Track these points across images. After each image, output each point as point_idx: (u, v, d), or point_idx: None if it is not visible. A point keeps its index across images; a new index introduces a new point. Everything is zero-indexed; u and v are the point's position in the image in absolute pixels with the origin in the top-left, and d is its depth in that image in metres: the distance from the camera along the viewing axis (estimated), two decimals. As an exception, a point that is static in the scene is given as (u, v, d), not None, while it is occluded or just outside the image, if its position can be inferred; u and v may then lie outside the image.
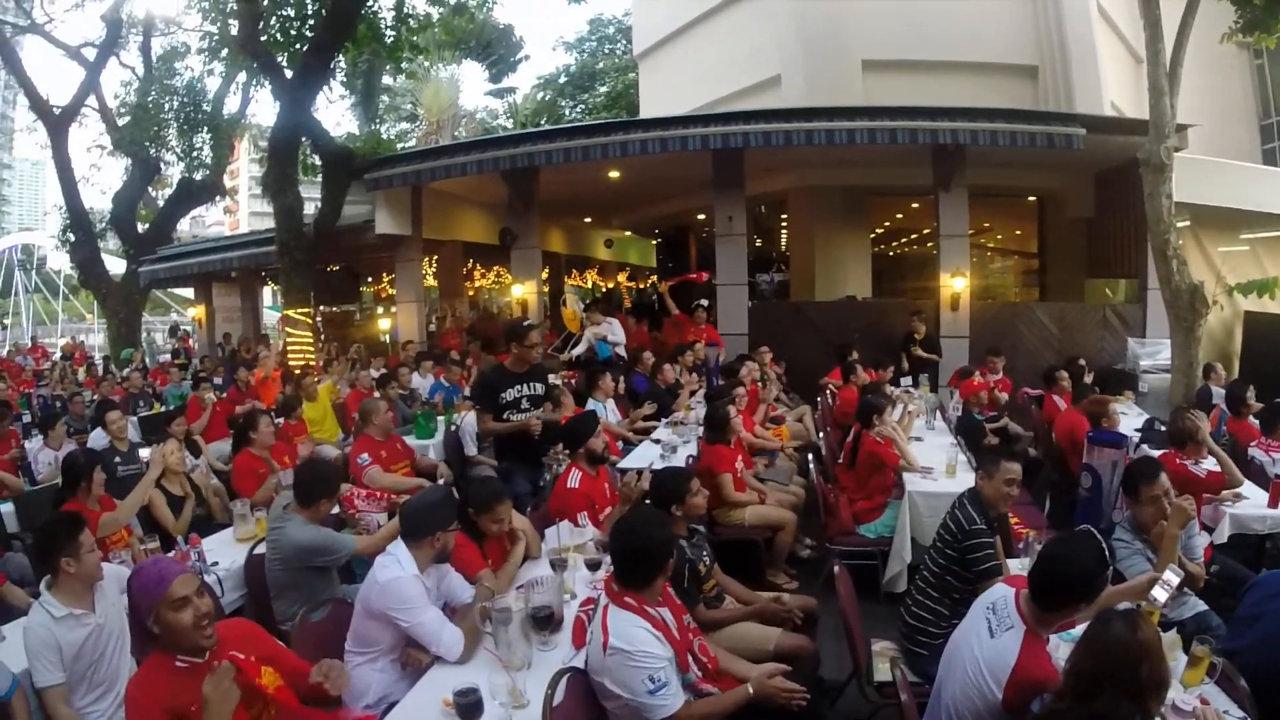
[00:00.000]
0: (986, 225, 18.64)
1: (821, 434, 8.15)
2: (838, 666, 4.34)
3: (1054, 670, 2.84)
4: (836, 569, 4.21)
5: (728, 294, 13.26)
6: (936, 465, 6.43)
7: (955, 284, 12.56)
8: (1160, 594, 3.34)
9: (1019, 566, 4.09)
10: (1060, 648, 3.15)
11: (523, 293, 14.44)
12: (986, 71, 17.20)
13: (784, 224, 20.46)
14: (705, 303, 12.94)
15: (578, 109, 36.25)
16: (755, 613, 4.22)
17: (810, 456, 7.07)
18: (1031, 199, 17.21)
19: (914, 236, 20.51)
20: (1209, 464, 5.65)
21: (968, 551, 4.01)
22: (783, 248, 21.18)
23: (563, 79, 38.32)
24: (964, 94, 14.27)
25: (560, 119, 34.36)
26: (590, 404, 8.30)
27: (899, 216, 19.51)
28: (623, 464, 6.75)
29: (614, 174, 15.08)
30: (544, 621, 3.53)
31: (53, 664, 3.36)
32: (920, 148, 11.94)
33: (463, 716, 2.94)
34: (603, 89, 36.56)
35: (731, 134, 11.69)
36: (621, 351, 11.71)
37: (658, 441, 7.62)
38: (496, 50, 33.99)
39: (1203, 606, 4.13)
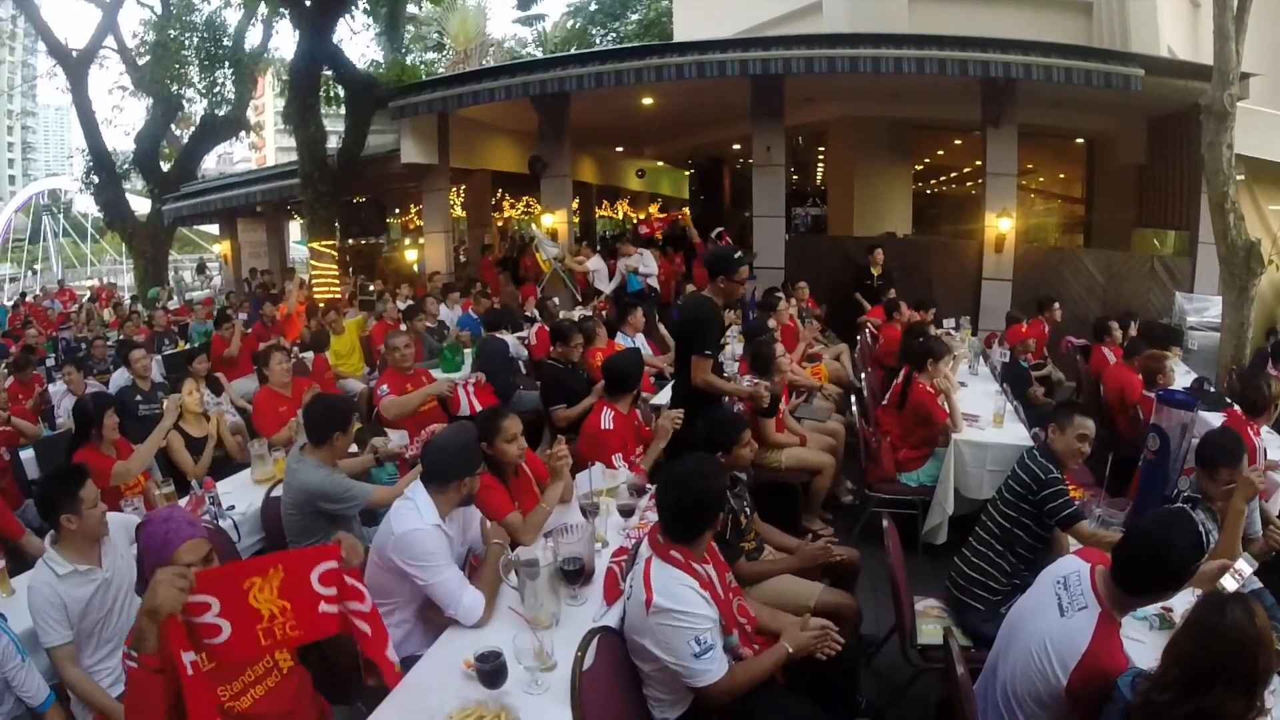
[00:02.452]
0: (1030, 166, 18.02)
1: (864, 374, 7.81)
2: (875, 623, 4.15)
3: (1124, 658, 2.55)
4: (885, 523, 3.94)
5: (764, 226, 12.95)
6: (983, 414, 6.13)
7: (1000, 225, 12.12)
8: (1230, 583, 3.08)
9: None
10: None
11: (553, 222, 14.20)
12: (1039, 5, 16.47)
13: (821, 157, 20.01)
14: (719, 231, 12.59)
15: (609, 37, 35.68)
16: (796, 561, 3.96)
17: (853, 398, 6.75)
18: (1080, 141, 16.72)
19: (956, 175, 19.98)
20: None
21: (1047, 500, 3.77)
22: (819, 182, 20.72)
23: (593, 6, 37.69)
24: (1015, 27, 13.59)
25: (591, 47, 33.69)
26: (620, 338, 8.17)
27: (941, 153, 19.00)
28: (656, 400, 6.49)
29: (648, 101, 14.79)
30: (574, 574, 3.30)
31: (59, 623, 3.24)
32: (969, 81, 11.48)
33: (485, 682, 2.72)
34: (634, 16, 35.94)
35: (772, 59, 11.31)
36: (653, 283, 11.50)
37: None
38: (522, -22, 33.52)
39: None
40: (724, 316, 5.27)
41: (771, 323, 7.81)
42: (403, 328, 8.82)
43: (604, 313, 9.94)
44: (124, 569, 3.53)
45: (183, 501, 4.77)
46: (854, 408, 6.40)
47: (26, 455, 6.66)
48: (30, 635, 3.30)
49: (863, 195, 16.39)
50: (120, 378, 8.12)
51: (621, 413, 5.21)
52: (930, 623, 3.87)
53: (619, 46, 14.73)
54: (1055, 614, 2.71)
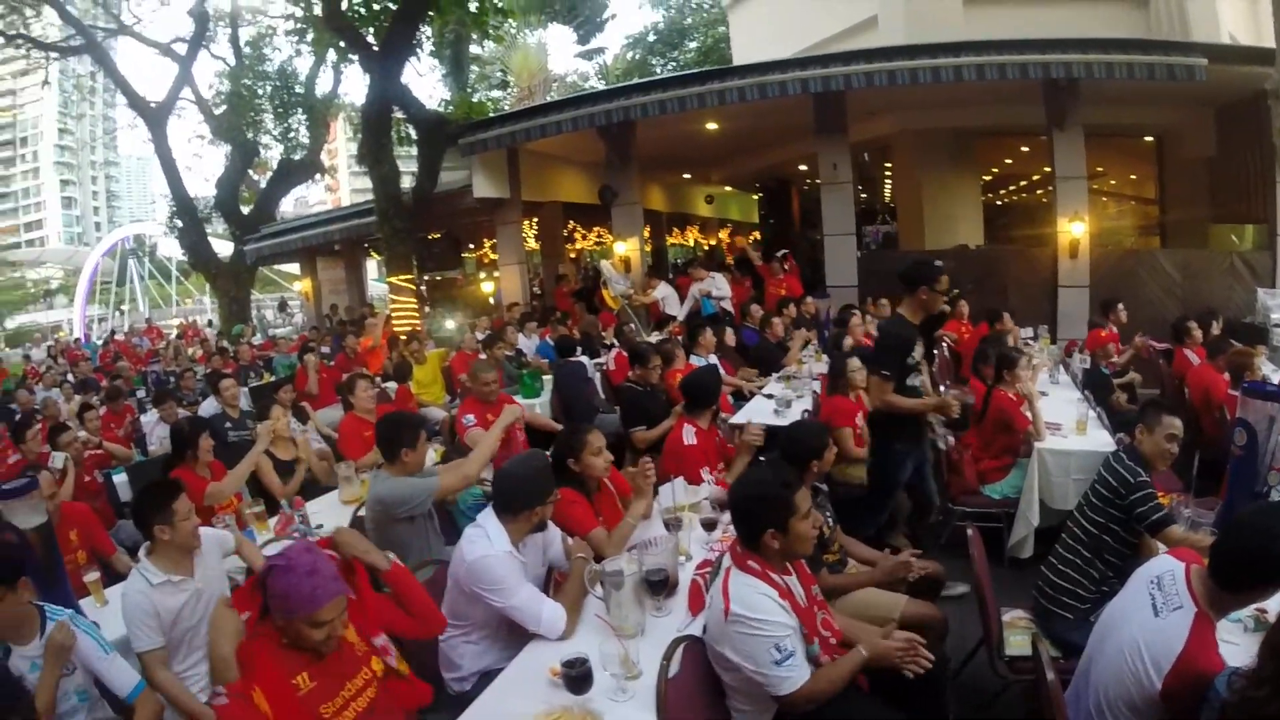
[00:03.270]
0: (1100, 169, 17.61)
1: (943, 388, 7.74)
2: (959, 636, 4.09)
3: (1220, 659, 2.48)
4: (970, 532, 3.92)
5: (835, 245, 12.90)
6: (1065, 421, 6.01)
7: (1073, 229, 11.88)
8: None
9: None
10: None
11: (625, 250, 14.30)
12: (1094, 0, 16.28)
13: (888, 172, 19.86)
14: (784, 253, 12.59)
15: (668, 67, 35.95)
16: (879, 574, 3.95)
17: None
18: (1148, 139, 16.34)
19: (1025, 182, 19.71)
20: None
21: (1136, 505, 3.70)
22: (887, 198, 20.58)
23: (651, 37, 38.03)
24: (1071, 25, 13.42)
25: (650, 78, 33.91)
26: (693, 359, 8.18)
27: (1008, 161, 18.64)
28: (734, 419, 6.54)
29: (712, 125, 14.86)
30: (658, 586, 3.34)
31: (151, 629, 3.41)
32: (1030, 84, 11.36)
33: (571, 688, 2.77)
34: (692, 45, 36.24)
35: (832, 76, 11.34)
36: (727, 306, 11.59)
37: (770, 396, 7.38)
38: (582, 11, 33.99)
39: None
40: (915, 336, 5.19)
41: (848, 341, 7.82)
42: (482, 356, 9.05)
43: (678, 337, 10.02)
44: (215, 581, 3.74)
45: (272, 520, 5.05)
46: (933, 420, 6.29)
47: (120, 479, 7.05)
48: (123, 642, 3.45)
49: (932, 208, 16.21)
50: (209, 406, 8.53)
51: (703, 428, 5.27)
52: (1018, 634, 3.81)
53: (681, 73, 14.81)
54: (1149, 615, 2.64)
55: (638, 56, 37.86)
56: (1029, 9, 15.60)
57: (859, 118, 13.37)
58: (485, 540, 3.36)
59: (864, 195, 18.83)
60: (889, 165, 19.15)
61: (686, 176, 23.33)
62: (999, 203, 19.69)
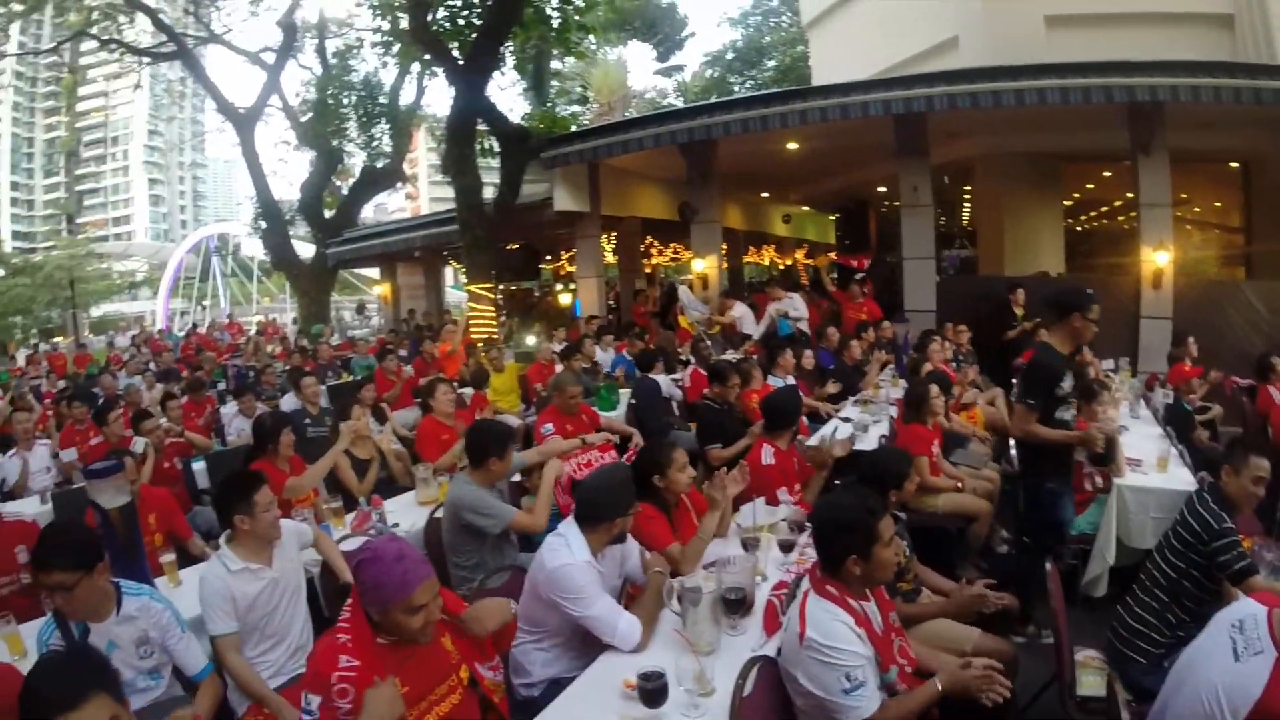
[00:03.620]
0: (1184, 196, 17.23)
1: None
2: (1030, 672, 3.99)
3: None
4: (1049, 567, 3.82)
5: (914, 269, 12.75)
6: (1146, 458, 5.82)
7: (1157, 258, 11.57)
8: None
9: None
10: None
11: (704, 267, 14.35)
12: (1178, 22, 15.85)
13: (967, 196, 19.66)
14: (861, 276, 12.50)
15: (746, 85, 36.12)
16: (952, 605, 3.87)
17: (1011, 443, 6.39)
18: (1233, 165, 15.99)
19: (1107, 208, 19.38)
20: None
21: (1219, 552, 3.58)
22: (965, 222, 20.38)
23: (730, 55, 38.28)
24: (1155, 48, 12.98)
25: (730, 95, 33.98)
26: (772, 380, 8.17)
27: (1090, 186, 18.38)
28: (810, 442, 6.40)
29: (792, 145, 14.80)
30: (735, 604, 3.31)
31: (226, 614, 3.50)
32: (1114, 107, 11.10)
33: (646, 701, 2.77)
34: (771, 63, 36.37)
35: (914, 98, 11.22)
36: (804, 327, 11.53)
37: (847, 420, 7.36)
38: (661, 29, 34.29)
39: None
40: (1065, 366, 4.95)
41: (928, 366, 7.78)
42: (559, 367, 9.15)
43: (754, 356, 10.02)
44: (292, 571, 3.83)
45: (349, 516, 5.21)
46: (1014, 451, 6.08)
47: (198, 466, 7.33)
48: (196, 623, 3.59)
49: (1013, 233, 15.97)
50: (289, 402, 8.82)
51: (781, 449, 5.27)
52: (1090, 674, 3.73)
53: (763, 92, 14.84)
54: (1229, 659, 2.56)
55: (716, 74, 38.10)
56: (1112, 30, 15.36)
57: (940, 140, 13.25)
58: (566, 549, 3.39)
59: (942, 219, 18.69)
60: (968, 189, 18.97)
61: (764, 195, 23.21)
62: (1080, 229, 19.40)
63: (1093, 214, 19.90)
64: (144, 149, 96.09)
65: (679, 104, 35.28)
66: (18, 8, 23.23)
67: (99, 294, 59.21)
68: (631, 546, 3.77)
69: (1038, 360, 5.06)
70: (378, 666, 2.55)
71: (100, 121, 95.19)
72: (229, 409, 9.37)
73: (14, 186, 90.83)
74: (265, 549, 3.72)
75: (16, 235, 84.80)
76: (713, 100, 15.92)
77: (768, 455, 5.17)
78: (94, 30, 23.88)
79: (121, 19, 23.68)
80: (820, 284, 13.61)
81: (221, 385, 12.71)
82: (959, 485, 5.95)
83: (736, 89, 35.54)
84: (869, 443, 6.40)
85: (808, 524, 4.19)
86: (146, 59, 26.95)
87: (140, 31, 25.96)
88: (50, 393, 13.46)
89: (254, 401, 8.76)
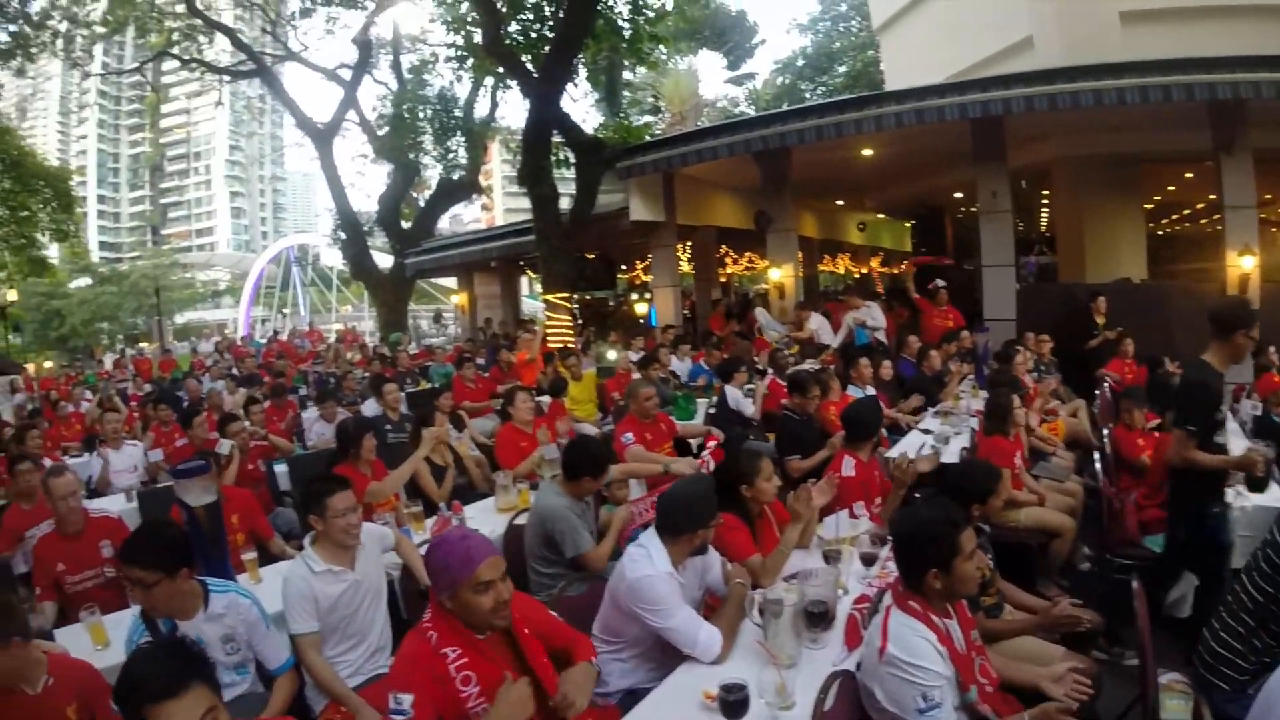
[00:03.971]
0: (1268, 197, 16.74)
1: (1105, 430, 7.46)
2: (1112, 695, 3.90)
3: None
4: (1135, 585, 3.65)
5: (993, 276, 12.55)
6: (1234, 473, 5.44)
7: (1243, 263, 11.33)
8: None
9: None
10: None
11: (780, 276, 14.36)
12: (1259, 15, 15.17)
13: (1045, 201, 19.34)
14: (943, 283, 12.34)
15: (818, 91, 35.94)
16: (1036, 621, 3.77)
17: (1097, 456, 6.35)
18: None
19: (1189, 210, 18.94)
20: None
21: None
22: (1043, 228, 20.06)
23: (800, 62, 38.18)
24: (1236, 43, 12.64)
25: (801, 103, 33.84)
26: (850, 390, 8.14)
27: (1171, 188, 17.91)
28: (890, 453, 6.39)
29: (867, 151, 14.73)
30: (817, 617, 3.31)
31: (308, 613, 3.59)
32: (1195, 105, 10.82)
33: (727, 713, 2.79)
34: (841, 69, 36.20)
35: (991, 100, 11.06)
36: (881, 337, 11.45)
37: (927, 431, 7.22)
38: (731, 37, 34.32)
39: None
40: (1222, 387, 4.73)
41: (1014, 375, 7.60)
42: (635, 376, 9.23)
43: (832, 367, 9.91)
44: (374, 574, 3.91)
45: (429, 521, 5.32)
46: (1099, 465, 6.08)
47: (280, 469, 7.56)
48: (275, 619, 3.69)
49: (1093, 238, 15.63)
50: (370, 408, 9.02)
51: (862, 461, 5.21)
52: (1174, 698, 3.39)
53: (837, 99, 14.74)
54: None
55: (787, 81, 38.02)
56: (1190, 26, 14.97)
57: (1017, 143, 13.09)
58: (647, 560, 3.38)
59: (1020, 224, 18.38)
60: (1046, 193, 18.65)
61: (839, 203, 23.10)
62: (1161, 233, 18.97)
63: (1174, 217, 19.48)
64: (225, 163, 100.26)
65: (750, 112, 35.11)
66: (100, 29, 23.94)
67: (182, 302, 62.50)
68: (713, 558, 3.75)
69: (1198, 383, 4.72)
70: (482, 651, 2.66)
71: (183, 137, 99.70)
72: (310, 414, 9.61)
73: (101, 200, 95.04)
74: (347, 551, 3.80)
75: (103, 246, 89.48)
76: (786, 108, 15.88)
77: (849, 467, 5.10)
78: (175, 50, 24.75)
79: (201, 39, 24.43)
80: (904, 292, 13.39)
81: (303, 391, 13.01)
82: (1041, 499, 5.83)
83: (808, 95, 35.37)
84: (950, 455, 6.29)
85: (889, 537, 4.06)
86: (226, 77, 28.07)
87: (220, 51, 27.03)
88: (136, 395, 14.12)
89: (334, 407, 8.97)
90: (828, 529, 4.38)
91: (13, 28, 19.77)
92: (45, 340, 52.43)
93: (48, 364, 36.50)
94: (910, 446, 6.66)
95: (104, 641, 3.78)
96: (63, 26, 21.99)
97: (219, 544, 4.34)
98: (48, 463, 6.29)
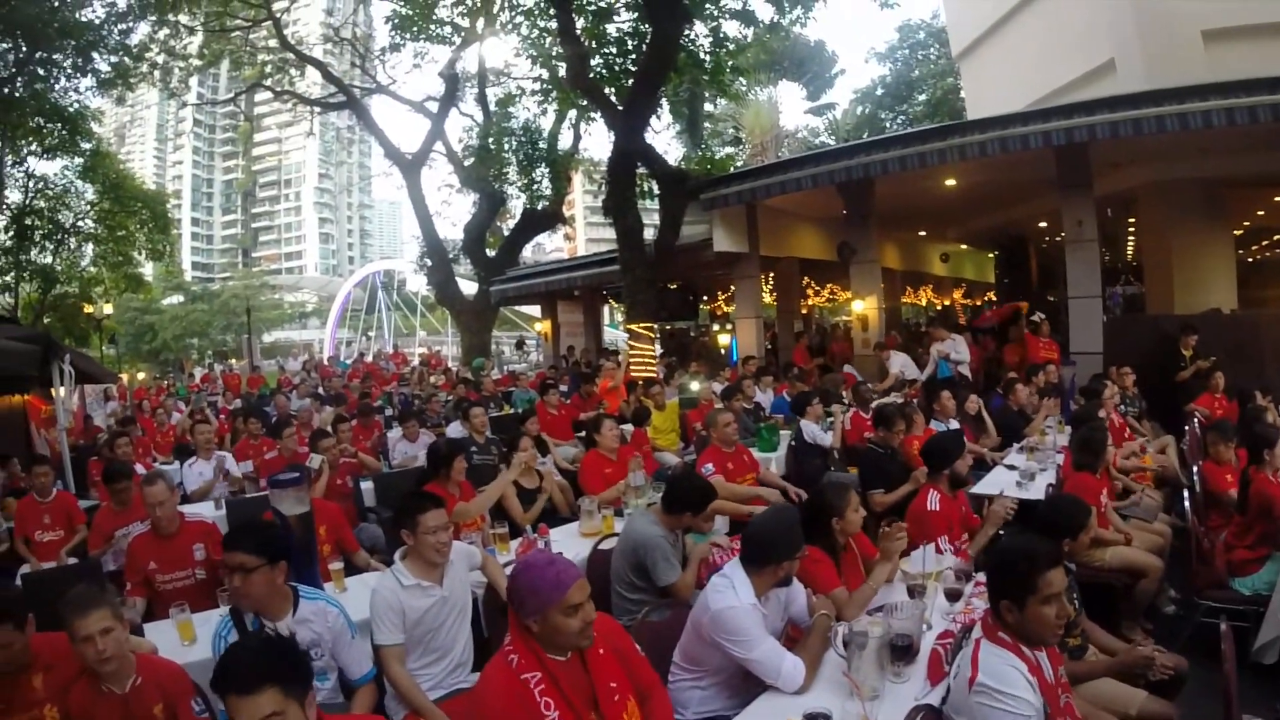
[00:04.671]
0: (1363, 220, 16.23)
1: (1195, 468, 7.26)
2: None
3: None
4: (1223, 628, 3.52)
5: (1080, 308, 12.26)
6: None
7: None
8: None
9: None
10: None
11: (863, 308, 14.36)
12: None
13: (1130, 229, 18.97)
14: (1044, 316, 12.19)
15: (898, 120, 35.76)
16: (1119, 664, 3.72)
17: (1185, 494, 6.01)
18: None
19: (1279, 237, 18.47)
20: None
21: None
22: (1129, 257, 19.68)
23: (879, 91, 37.97)
24: None
25: (881, 133, 33.60)
26: (933, 424, 8.08)
27: (1261, 213, 17.33)
28: (974, 490, 6.35)
29: (949, 181, 14.68)
30: (902, 651, 3.31)
31: (394, 625, 3.71)
32: None
33: None
34: (921, 97, 35.95)
35: (1075, 127, 10.85)
36: (965, 370, 11.37)
37: (1012, 467, 7.04)
38: (810, 68, 34.46)
39: None
40: None
41: (1101, 413, 7.43)
42: (718, 406, 9.31)
43: (915, 400, 9.81)
44: (460, 591, 4.02)
45: (514, 543, 5.42)
46: (1187, 504, 5.76)
47: (366, 486, 7.88)
48: (362, 628, 3.82)
49: (1181, 267, 15.16)
50: (455, 429, 9.30)
51: (948, 496, 5.16)
52: None
53: (919, 128, 14.68)
54: None
55: (866, 111, 37.83)
56: (1274, 42, 14.63)
57: (1101, 170, 12.87)
58: (731, 591, 3.39)
59: (1106, 254, 18.03)
60: (1132, 221, 18.27)
61: (921, 233, 22.88)
62: (1252, 260, 18.46)
63: (1265, 243, 18.92)
64: (315, 190, 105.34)
65: (831, 142, 35.13)
66: (197, 62, 25.32)
67: (271, 321, 66.00)
68: (797, 589, 3.76)
69: None
70: (560, 677, 2.73)
71: (274, 164, 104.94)
72: (394, 434, 9.94)
73: (194, 222, 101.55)
74: (436, 567, 3.89)
75: (196, 266, 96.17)
76: (868, 138, 15.87)
77: (933, 501, 5.05)
78: (268, 82, 26.00)
79: (293, 72, 25.79)
80: (1018, 323, 13.10)
81: (388, 411, 13.33)
82: (1128, 539, 5.70)
83: (888, 125, 35.19)
84: (1035, 491, 6.18)
85: (975, 574, 4.18)
86: (317, 108, 29.40)
87: (311, 83, 28.38)
88: (225, 409, 14.89)
89: (417, 428, 9.31)
90: (913, 563, 4.40)
91: (114, 59, 20.69)
92: (138, 352, 56.01)
93: (140, 375, 38.65)
94: (994, 484, 6.61)
95: (191, 638, 4.01)
96: (161, 59, 23.19)
97: (309, 552, 4.56)
98: (140, 469, 6.72)
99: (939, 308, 27.20)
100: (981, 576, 3.93)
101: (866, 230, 14.12)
